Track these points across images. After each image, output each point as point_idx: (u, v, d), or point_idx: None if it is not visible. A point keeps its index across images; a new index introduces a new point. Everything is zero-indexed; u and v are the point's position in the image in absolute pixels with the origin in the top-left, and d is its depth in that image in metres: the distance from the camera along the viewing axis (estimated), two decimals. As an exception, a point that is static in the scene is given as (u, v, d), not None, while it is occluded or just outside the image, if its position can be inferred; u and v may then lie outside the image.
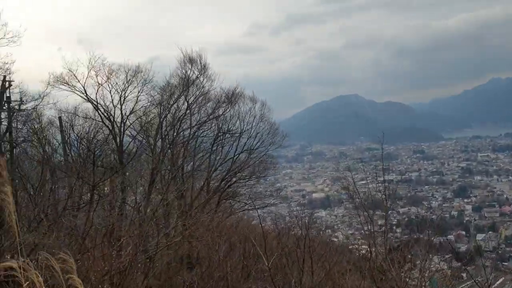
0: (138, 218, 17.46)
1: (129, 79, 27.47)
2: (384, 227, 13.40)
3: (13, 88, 22.51)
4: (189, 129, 26.25)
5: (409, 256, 13.23)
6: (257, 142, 28.34)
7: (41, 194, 16.07)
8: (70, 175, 16.85)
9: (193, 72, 25.63)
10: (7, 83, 21.74)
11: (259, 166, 28.24)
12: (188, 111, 25.56)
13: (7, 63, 21.49)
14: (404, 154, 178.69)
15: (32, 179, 17.64)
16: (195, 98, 25.70)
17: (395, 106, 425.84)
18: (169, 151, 24.92)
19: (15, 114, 21.48)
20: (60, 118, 26.87)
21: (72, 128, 29.03)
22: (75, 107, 28.47)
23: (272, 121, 29.20)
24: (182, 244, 18.21)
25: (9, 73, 22.02)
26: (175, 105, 25.67)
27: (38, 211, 12.39)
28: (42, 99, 24.02)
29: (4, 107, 22.44)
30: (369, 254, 12.94)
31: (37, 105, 23.82)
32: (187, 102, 25.67)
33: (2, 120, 21.66)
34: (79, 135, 29.31)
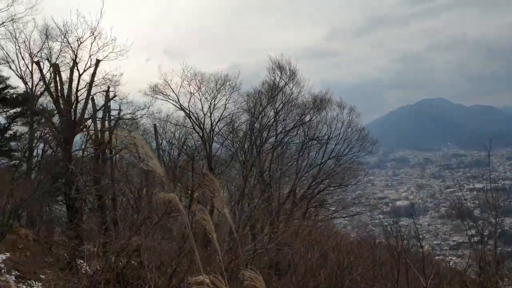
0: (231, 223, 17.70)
1: (219, 88, 28.35)
2: (481, 238, 12.47)
3: (122, 99, 24.09)
4: (276, 136, 26.42)
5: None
6: (345, 149, 27.83)
7: (141, 198, 16.93)
8: (170, 180, 17.63)
9: (282, 79, 25.82)
10: (111, 94, 23.31)
11: (347, 173, 27.68)
12: (276, 117, 25.75)
13: (115, 75, 23.15)
14: (496, 161, 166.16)
15: (132, 184, 18.68)
16: (283, 104, 25.86)
17: (484, 109, 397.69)
18: (257, 157, 25.24)
19: (117, 122, 22.94)
20: (155, 126, 28.33)
21: (164, 135, 30.53)
22: (167, 114, 29.90)
23: (360, 126, 28.54)
24: (272, 251, 18.29)
25: (117, 85, 23.67)
26: (262, 112, 25.99)
27: (144, 215, 13.02)
28: (148, 108, 25.49)
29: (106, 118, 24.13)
30: (478, 269, 12.08)
31: (137, 114, 25.20)
32: (275, 109, 25.90)
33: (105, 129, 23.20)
34: (170, 141, 30.78)
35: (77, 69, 21.77)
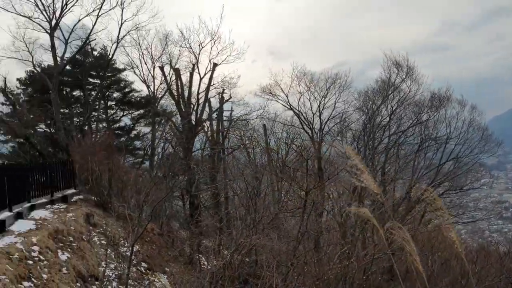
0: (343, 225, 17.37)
1: (328, 86, 27.97)
2: None
3: (239, 100, 25.00)
4: (390, 136, 25.31)
5: None
6: (466, 149, 25.74)
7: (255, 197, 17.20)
8: (285, 180, 17.77)
9: (398, 76, 24.67)
10: (227, 95, 24.23)
11: (468, 175, 25.58)
12: (392, 116, 24.67)
13: (232, 78, 24.12)
14: None
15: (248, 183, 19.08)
16: (399, 103, 24.69)
17: None
18: (371, 158, 24.40)
19: (231, 123, 23.74)
20: (264, 126, 28.81)
21: (272, 135, 30.84)
22: (275, 114, 30.21)
23: (484, 125, 26.20)
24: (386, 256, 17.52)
25: (233, 87, 24.63)
26: (376, 111, 25.06)
27: (261, 214, 13.22)
28: (264, 109, 26.17)
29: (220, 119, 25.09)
30: None
31: (252, 115, 25.89)
32: (391, 107, 24.84)
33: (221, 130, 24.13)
34: (278, 141, 31.02)
35: (198, 73, 22.91)
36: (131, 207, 17.94)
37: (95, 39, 26.32)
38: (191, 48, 23.52)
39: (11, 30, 33.32)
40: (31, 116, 23.24)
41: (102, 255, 11.90)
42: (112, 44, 25.82)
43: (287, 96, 28.19)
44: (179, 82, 22.66)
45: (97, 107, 29.41)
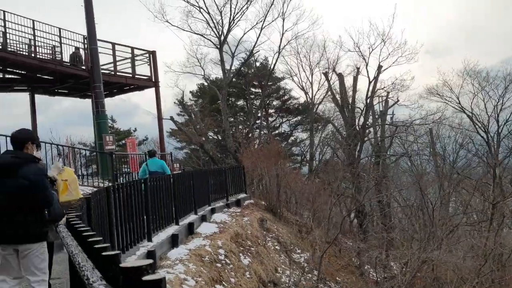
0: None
1: (507, 85, 24.86)
2: None
3: (413, 104, 23.74)
4: None
5: None
6: None
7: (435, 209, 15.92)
8: (466, 189, 16.17)
9: None
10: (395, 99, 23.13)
11: None
12: None
13: (404, 80, 22.98)
14: None
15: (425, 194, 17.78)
16: None
17: None
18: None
19: (397, 128, 22.55)
20: (431, 130, 26.74)
21: (438, 139, 28.38)
22: (441, 117, 27.75)
23: None
24: None
25: (405, 90, 23.44)
26: None
27: (446, 229, 12.09)
28: (442, 113, 24.52)
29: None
30: None
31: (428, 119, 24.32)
32: None
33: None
34: (445, 146, 28.43)
35: (367, 76, 22.28)
36: (298, 213, 18.19)
37: (259, 51, 27.53)
38: (359, 51, 23.07)
39: (186, 48, 36.81)
40: (203, 125, 25.26)
41: (277, 260, 12.11)
42: (274, 54, 26.71)
43: (458, 97, 25.77)
44: (342, 87, 22.34)
45: (259, 115, 30.75)
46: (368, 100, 21.32)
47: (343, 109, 21.73)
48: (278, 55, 26.46)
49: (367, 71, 21.86)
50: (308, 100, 30.17)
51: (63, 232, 3.23)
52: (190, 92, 33.77)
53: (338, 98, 22.36)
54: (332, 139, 24.50)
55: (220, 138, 30.32)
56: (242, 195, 16.49)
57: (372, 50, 22.71)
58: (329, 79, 23.62)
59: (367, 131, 22.17)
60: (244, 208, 15.19)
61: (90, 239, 2.08)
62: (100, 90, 13.79)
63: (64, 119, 47.29)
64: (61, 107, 51.01)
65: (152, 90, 18.22)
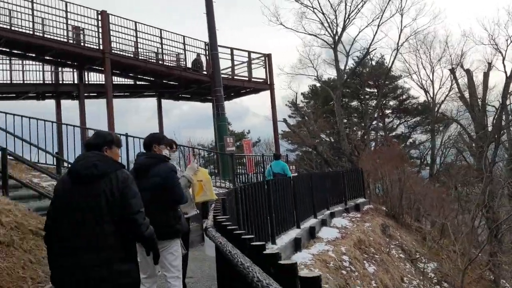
0: None
1: None
2: None
3: None
4: None
5: None
6: None
7: None
8: None
9: None
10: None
11: None
12: None
13: None
14: None
15: None
16: None
17: None
18: None
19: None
20: None
21: None
22: None
23: None
24: None
25: None
26: None
27: None
28: None
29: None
30: None
31: None
32: None
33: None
34: None
35: (504, 71, 20.12)
36: (420, 220, 16.98)
37: (375, 49, 26.50)
38: (495, 43, 21.00)
39: (299, 49, 36.95)
40: (316, 127, 24.92)
41: (402, 269, 11.34)
42: (392, 52, 25.48)
43: None
44: (471, 84, 20.38)
45: (375, 115, 29.55)
46: (504, 98, 19.12)
47: (473, 108, 19.77)
48: (396, 52, 25.21)
49: (504, 66, 19.69)
50: (429, 99, 28.27)
51: (212, 232, 3.20)
52: (302, 94, 33.69)
53: (467, 96, 20.42)
54: (459, 140, 22.44)
55: (333, 140, 29.70)
56: (361, 200, 15.84)
57: (511, 42, 20.49)
58: (456, 76, 21.71)
59: (501, 132, 19.92)
60: (364, 214, 14.55)
61: (244, 237, 2.26)
62: (221, 94, 14.23)
63: (185, 123, 50.25)
64: (181, 111, 54.41)
65: (265, 93, 18.41)
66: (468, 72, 21.17)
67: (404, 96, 32.31)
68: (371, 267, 9.73)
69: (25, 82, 14.85)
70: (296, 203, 10.07)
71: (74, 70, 15.29)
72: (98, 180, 2.68)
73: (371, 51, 25.72)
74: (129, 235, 2.74)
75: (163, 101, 18.64)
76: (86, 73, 15.52)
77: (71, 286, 2.64)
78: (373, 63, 31.10)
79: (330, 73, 29.22)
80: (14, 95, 15.26)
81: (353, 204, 14.87)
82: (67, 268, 2.63)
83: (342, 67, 26.19)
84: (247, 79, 17.59)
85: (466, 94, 21.23)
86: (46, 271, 4.49)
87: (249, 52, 17.66)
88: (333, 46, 24.98)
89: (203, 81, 16.03)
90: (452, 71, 22.52)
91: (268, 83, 17.89)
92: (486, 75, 20.45)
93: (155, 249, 2.97)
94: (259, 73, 18.01)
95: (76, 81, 15.41)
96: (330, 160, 24.09)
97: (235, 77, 17.35)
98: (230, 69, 17.26)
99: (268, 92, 18.09)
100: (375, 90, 32.35)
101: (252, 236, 2.30)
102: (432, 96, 28.32)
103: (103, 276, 2.60)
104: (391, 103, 32.56)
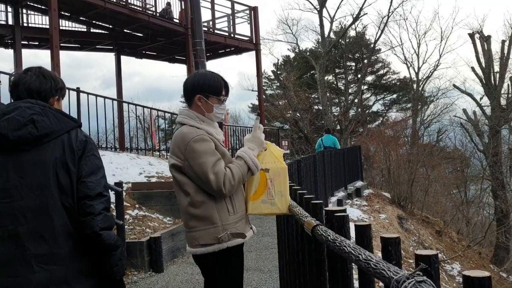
0: None
1: None
2: None
3: None
4: None
5: None
6: None
7: None
8: None
9: None
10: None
11: None
12: None
13: None
14: None
15: None
16: None
17: None
18: None
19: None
20: None
21: None
22: None
23: None
24: None
25: None
26: None
27: None
28: None
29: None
30: None
31: None
32: None
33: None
34: None
35: None
36: (424, 208, 14.88)
37: (366, 13, 23.98)
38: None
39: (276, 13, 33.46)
40: (297, 100, 22.29)
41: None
42: (382, 19, 23.09)
43: None
44: (489, 53, 18.20)
45: (357, 90, 27.18)
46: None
47: (489, 80, 17.61)
48: (387, 19, 22.83)
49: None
50: (410, 75, 26.48)
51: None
52: (274, 64, 30.91)
53: (478, 67, 18.26)
54: (468, 120, 19.98)
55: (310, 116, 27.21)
56: (359, 183, 13.51)
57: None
58: (475, 41, 19.33)
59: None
60: (369, 201, 12.21)
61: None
62: (202, 48, 11.08)
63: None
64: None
65: (250, 54, 15.60)
66: (487, 39, 18.97)
67: (383, 71, 30.19)
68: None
69: None
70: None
71: (8, 5, 11.71)
72: (39, 146, 1.57)
73: (361, 16, 23.06)
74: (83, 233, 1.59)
75: (123, 59, 15.43)
76: (24, 12, 12.03)
77: None
78: (355, 33, 28.55)
79: (308, 43, 26.54)
80: None
81: (353, 189, 12.54)
82: None
83: (325, 34, 23.54)
84: (228, 34, 14.65)
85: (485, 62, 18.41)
86: None
87: (233, 2, 14.66)
88: (318, 8, 22.24)
89: (176, 32, 12.98)
90: (472, 35, 20.15)
91: (254, 42, 15.01)
92: (503, 43, 18.33)
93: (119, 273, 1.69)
94: (243, 30, 15.16)
95: (10, 22, 11.88)
96: (309, 137, 21.60)
97: (216, 32, 14.35)
98: (208, 23, 14.23)
99: (252, 53, 15.23)
100: (353, 64, 30.07)
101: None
102: (416, 72, 26.48)
103: None
104: (369, 78, 30.29)
